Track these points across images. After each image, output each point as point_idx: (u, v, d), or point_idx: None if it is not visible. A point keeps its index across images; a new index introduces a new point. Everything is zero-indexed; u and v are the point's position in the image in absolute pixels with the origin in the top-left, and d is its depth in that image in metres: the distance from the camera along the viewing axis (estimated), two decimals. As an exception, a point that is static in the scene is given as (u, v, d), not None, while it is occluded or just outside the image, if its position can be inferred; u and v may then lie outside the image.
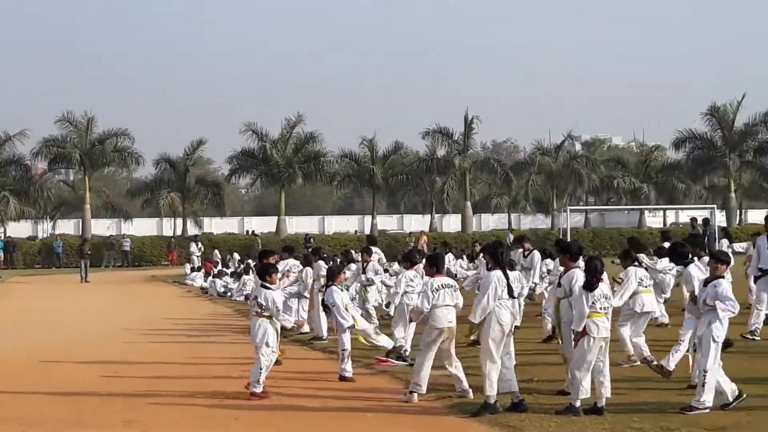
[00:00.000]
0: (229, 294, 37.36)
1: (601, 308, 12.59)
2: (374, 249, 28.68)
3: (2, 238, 67.93)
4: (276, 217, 76.13)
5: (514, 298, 13.15)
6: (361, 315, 18.88)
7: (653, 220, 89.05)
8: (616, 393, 12.96)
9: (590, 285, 12.63)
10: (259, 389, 14.34)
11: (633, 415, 12.16)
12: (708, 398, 12.21)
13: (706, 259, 17.41)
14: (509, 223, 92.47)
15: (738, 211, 77.72)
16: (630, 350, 16.24)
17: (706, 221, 36.65)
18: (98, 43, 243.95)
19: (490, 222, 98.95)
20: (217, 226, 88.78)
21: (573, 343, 12.82)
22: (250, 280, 29.28)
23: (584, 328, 12.49)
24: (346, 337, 16.03)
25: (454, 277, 25.11)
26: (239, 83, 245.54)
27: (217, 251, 55.52)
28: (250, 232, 73.19)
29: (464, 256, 39.53)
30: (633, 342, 16.21)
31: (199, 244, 58.98)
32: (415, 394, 13.77)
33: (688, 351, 14.15)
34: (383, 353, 18.18)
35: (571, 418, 12.14)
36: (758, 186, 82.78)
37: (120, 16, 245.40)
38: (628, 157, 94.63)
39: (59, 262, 65.24)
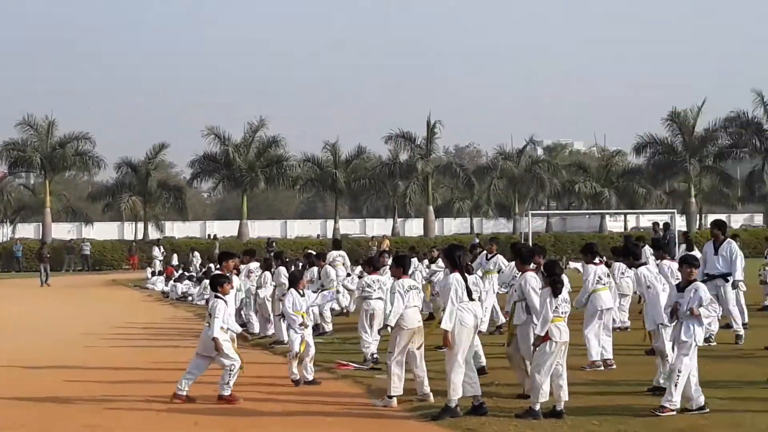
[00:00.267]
0: (189, 298, 37.29)
1: (562, 312, 12.73)
2: (339, 252, 28.80)
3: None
4: (238, 221, 75.90)
5: (473, 300, 13.23)
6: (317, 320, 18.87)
7: (614, 225, 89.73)
8: (575, 396, 13.05)
9: (556, 290, 12.74)
10: (227, 392, 14.35)
11: (592, 418, 12.25)
12: (678, 399, 12.33)
13: (667, 262, 17.62)
14: (471, 227, 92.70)
15: (698, 215, 78.27)
16: (594, 356, 16.39)
17: (666, 226, 36.86)
18: (58, 47, 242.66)
19: (453, 226, 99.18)
20: (179, 230, 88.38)
21: (532, 346, 12.92)
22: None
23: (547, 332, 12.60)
24: (296, 341, 15.97)
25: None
26: (202, 86, 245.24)
27: (175, 255, 55.39)
28: (212, 236, 72.99)
29: (425, 261, 39.54)
30: (601, 342, 16.41)
31: (161, 248, 58.77)
32: (395, 399, 13.79)
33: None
34: (345, 357, 18.23)
35: (530, 421, 12.22)
36: (718, 191, 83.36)
37: (68, 19, 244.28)
38: (590, 162, 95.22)
39: (19, 266, 64.66)
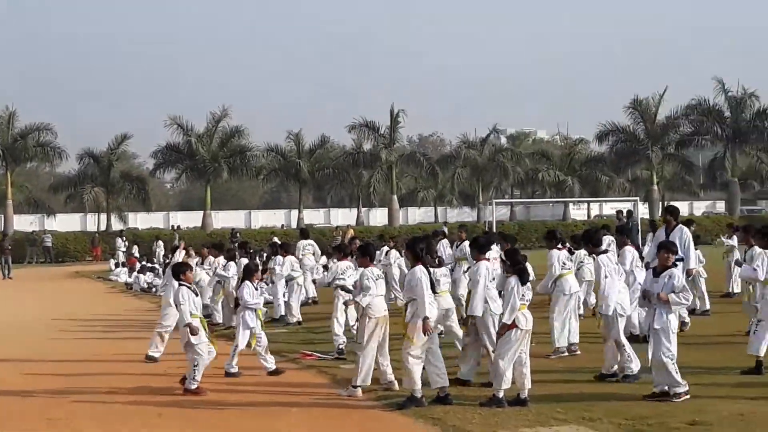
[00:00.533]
0: (153, 290, 37.11)
1: (527, 300, 12.78)
2: (308, 242, 28.70)
3: None
4: (202, 212, 75.54)
5: (436, 293, 13.24)
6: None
7: (578, 213, 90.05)
8: (540, 384, 13.09)
9: (522, 279, 12.78)
10: (194, 386, 14.29)
11: (556, 406, 12.29)
12: (683, 381, 12.49)
13: (629, 249, 17.74)
14: (435, 216, 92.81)
15: (660, 203, 78.40)
16: (558, 342, 16.48)
17: (629, 213, 37.08)
18: (17, 36, 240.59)
19: (417, 215, 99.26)
20: (142, 221, 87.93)
21: (497, 334, 12.95)
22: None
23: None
24: (244, 336, 15.91)
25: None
26: (164, 76, 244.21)
27: (136, 246, 55.11)
28: (175, 227, 72.62)
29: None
30: (569, 327, 16.52)
31: (124, 240, 58.43)
32: (359, 389, 13.76)
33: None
34: (309, 347, 18.21)
35: (495, 409, 12.23)
36: (680, 178, 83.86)
37: (28, 7, 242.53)
38: (553, 151, 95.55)
39: (-20, 259, 64.12)
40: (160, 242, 51.11)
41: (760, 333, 14.46)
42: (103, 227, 74.42)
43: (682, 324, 19.11)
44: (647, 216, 64.68)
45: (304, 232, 31.82)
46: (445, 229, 57.79)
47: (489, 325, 13.93)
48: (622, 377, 14.04)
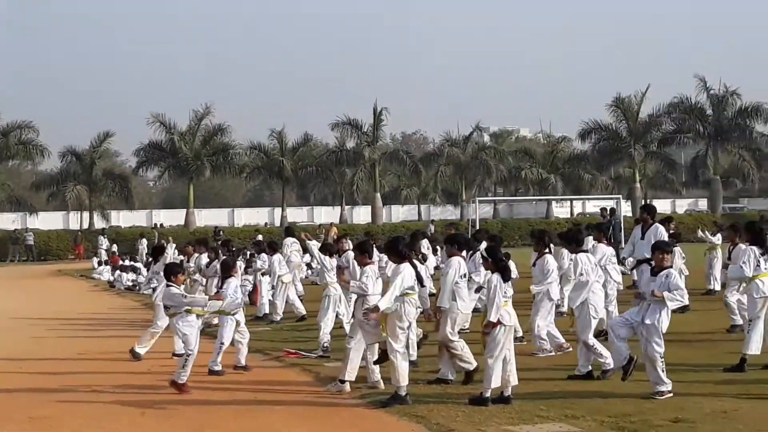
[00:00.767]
0: (137, 288, 37.07)
1: (509, 297, 12.82)
2: (293, 239, 28.67)
3: None
4: (185, 210, 75.45)
5: (423, 287, 13.27)
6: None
7: (560, 211, 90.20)
8: (523, 382, 13.12)
9: (505, 276, 12.81)
10: (182, 380, 14.27)
11: (539, 403, 12.32)
12: (668, 380, 12.54)
13: (603, 246, 17.86)
14: (419, 214, 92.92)
15: (643, 200, 78.73)
16: (544, 341, 16.49)
17: (612, 211, 37.15)
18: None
19: (400, 213, 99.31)
20: (125, 219, 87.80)
21: (482, 332, 12.97)
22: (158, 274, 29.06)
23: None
24: (227, 331, 15.94)
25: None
26: (147, 74, 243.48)
27: (115, 245, 55.05)
28: (158, 225, 72.51)
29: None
30: (548, 333, 16.49)
31: (106, 238, 58.32)
32: (347, 384, 13.79)
33: None
34: (292, 345, 18.22)
35: (478, 407, 12.25)
36: (662, 176, 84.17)
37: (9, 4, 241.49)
38: (536, 148, 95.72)
39: (-38, 257, 63.93)
40: (144, 240, 51.07)
41: (752, 332, 14.51)
42: (85, 225, 74.28)
43: None
44: (630, 214, 64.80)
45: (289, 229, 31.81)
46: (432, 227, 58.10)
47: (449, 321, 13.90)
48: (601, 373, 14.07)
